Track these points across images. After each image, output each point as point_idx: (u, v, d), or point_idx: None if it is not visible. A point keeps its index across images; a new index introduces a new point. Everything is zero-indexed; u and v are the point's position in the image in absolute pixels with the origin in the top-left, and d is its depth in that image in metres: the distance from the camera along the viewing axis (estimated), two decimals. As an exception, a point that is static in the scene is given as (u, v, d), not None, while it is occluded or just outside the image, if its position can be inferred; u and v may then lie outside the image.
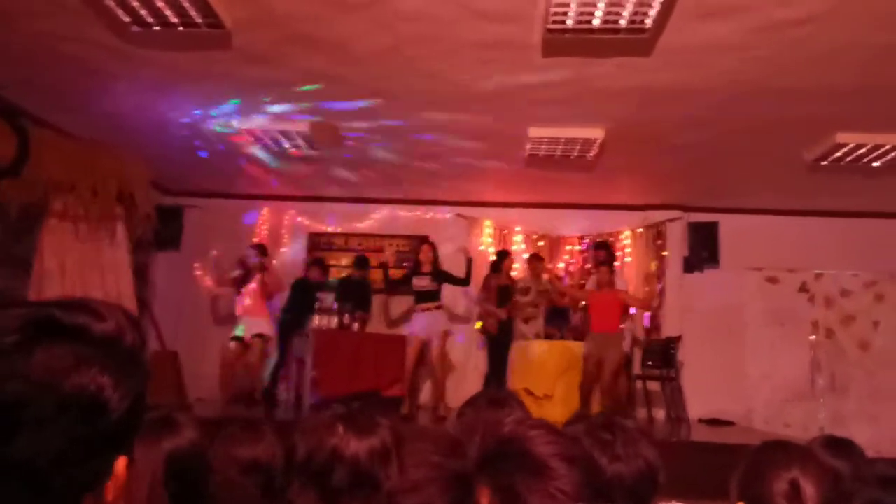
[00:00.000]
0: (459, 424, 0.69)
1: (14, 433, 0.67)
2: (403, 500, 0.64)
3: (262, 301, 7.06)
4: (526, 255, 8.10)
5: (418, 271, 6.60)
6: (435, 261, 6.57)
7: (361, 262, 7.89)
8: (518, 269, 7.98)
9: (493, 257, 7.79)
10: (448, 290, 7.08)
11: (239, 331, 6.95)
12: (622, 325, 6.70)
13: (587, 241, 8.42)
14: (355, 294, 7.59)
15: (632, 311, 7.51)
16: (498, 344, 7.36)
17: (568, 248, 8.50)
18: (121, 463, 0.76)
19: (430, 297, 6.52)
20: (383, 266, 7.09)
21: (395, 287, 7.07)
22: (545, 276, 7.54)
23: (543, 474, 0.60)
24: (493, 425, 0.64)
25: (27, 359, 0.69)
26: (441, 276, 6.55)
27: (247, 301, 6.97)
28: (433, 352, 6.43)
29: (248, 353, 6.83)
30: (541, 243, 8.44)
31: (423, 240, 7.28)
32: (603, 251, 7.19)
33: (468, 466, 0.61)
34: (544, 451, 0.61)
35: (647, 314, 8.08)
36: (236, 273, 7.13)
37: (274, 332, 7.12)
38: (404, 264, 8.16)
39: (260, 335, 6.86)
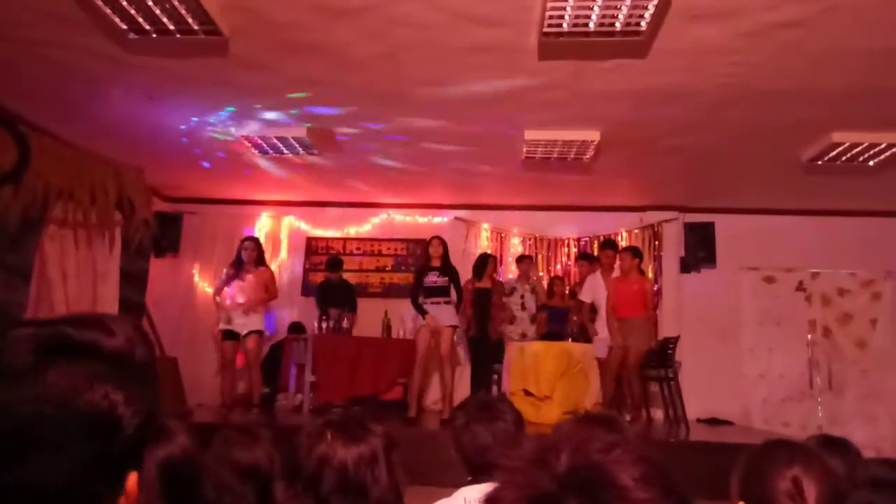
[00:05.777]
0: (546, 437, 0.69)
1: (26, 456, 0.66)
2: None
3: (258, 295, 6.54)
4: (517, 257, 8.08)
5: (428, 266, 6.46)
6: (444, 255, 6.42)
7: (334, 264, 7.83)
8: (514, 272, 7.98)
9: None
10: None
11: (228, 324, 6.50)
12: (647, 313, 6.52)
13: (584, 242, 8.45)
14: (341, 296, 7.57)
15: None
16: (477, 347, 7.45)
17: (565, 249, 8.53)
18: (132, 478, 0.75)
19: (440, 292, 6.36)
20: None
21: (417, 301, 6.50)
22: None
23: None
24: (582, 444, 0.64)
25: (41, 380, 0.69)
26: (450, 271, 6.40)
27: (240, 299, 6.47)
28: (442, 346, 6.29)
29: (246, 350, 6.49)
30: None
31: (423, 242, 7.16)
32: (609, 250, 7.02)
33: (553, 484, 0.60)
34: (630, 484, 0.60)
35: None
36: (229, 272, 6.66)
37: (267, 329, 6.94)
38: (402, 268, 8.15)
39: (256, 331, 6.52)
